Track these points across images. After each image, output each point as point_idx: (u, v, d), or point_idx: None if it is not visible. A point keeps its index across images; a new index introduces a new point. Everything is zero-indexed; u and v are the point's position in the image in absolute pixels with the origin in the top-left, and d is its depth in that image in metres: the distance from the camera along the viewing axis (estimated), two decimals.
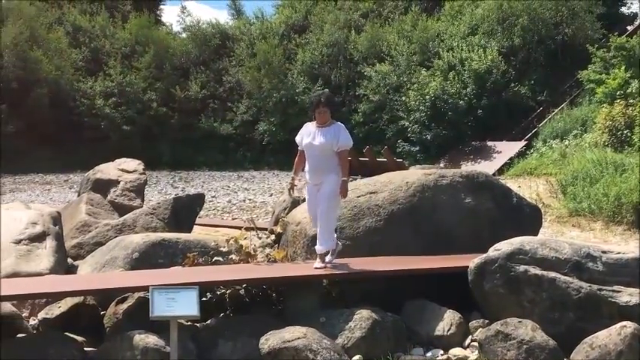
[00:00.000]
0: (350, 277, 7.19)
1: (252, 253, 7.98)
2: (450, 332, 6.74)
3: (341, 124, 7.55)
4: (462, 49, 33.06)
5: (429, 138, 31.40)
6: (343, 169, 7.36)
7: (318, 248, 7.31)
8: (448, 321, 6.82)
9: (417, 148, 32.03)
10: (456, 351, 6.57)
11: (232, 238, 8.11)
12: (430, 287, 7.27)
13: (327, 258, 7.32)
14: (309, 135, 7.50)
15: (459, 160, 29.49)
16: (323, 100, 7.57)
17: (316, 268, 7.20)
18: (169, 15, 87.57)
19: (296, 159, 7.72)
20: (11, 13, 39.77)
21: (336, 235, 7.51)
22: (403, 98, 33.94)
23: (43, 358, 5.82)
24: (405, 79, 34.74)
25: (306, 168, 7.55)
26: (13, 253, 7.80)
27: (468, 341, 6.75)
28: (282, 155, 36.96)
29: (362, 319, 6.56)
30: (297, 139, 7.67)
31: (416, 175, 8.74)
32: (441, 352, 6.58)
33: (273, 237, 8.87)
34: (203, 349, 6.33)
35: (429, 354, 6.55)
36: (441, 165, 27.60)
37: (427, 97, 31.64)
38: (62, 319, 6.97)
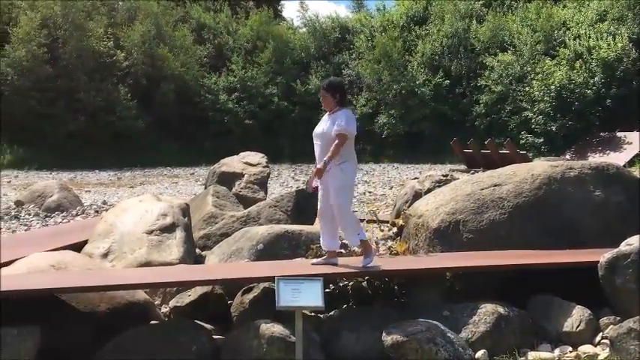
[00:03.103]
0: (474, 271, 7.09)
1: (374, 245, 8.00)
2: (579, 329, 6.52)
3: (346, 110, 7.01)
4: (589, 37, 31.87)
5: (554, 129, 30.51)
6: (332, 151, 6.71)
7: (351, 246, 7.04)
8: (577, 317, 6.60)
9: (541, 140, 31.17)
10: (586, 348, 6.35)
11: None
12: (556, 282, 7.07)
13: (363, 261, 6.90)
14: (319, 125, 7.13)
15: (586, 152, 28.47)
16: (323, 85, 7.17)
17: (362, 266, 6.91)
18: (290, 10, 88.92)
19: None
20: (139, 12, 41.39)
21: (358, 232, 7.03)
22: (527, 89, 33.12)
23: (175, 344, 6.04)
24: (529, 69, 33.85)
25: None
26: (146, 243, 8.13)
27: (598, 338, 6.51)
28: (402, 148, 36.89)
29: (486, 313, 6.46)
30: None
31: (542, 167, 8.50)
32: (570, 349, 6.38)
33: (395, 229, 8.87)
34: (327, 340, 6.41)
35: (556, 351, 6.37)
36: (567, 157, 26.75)
37: (552, 87, 30.75)
38: (192, 307, 7.20)
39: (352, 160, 7.02)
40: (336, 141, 6.75)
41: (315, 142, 7.07)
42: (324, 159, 6.72)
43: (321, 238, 7.21)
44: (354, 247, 7.06)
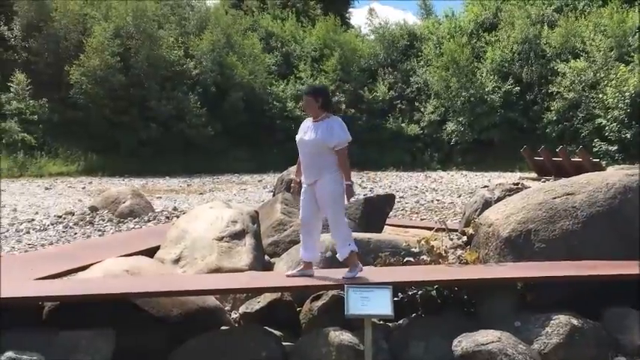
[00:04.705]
0: (546, 281, 6.95)
1: (444, 254, 7.93)
2: None
3: (337, 118, 6.84)
4: None
5: (628, 137, 29.85)
6: (345, 171, 6.68)
7: (339, 257, 6.85)
8: None
9: (615, 148, 30.53)
10: None
11: (423, 238, 8.09)
12: (631, 294, 6.88)
13: (348, 274, 6.69)
14: (303, 131, 6.90)
15: None
16: (305, 91, 7.01)
17: (343, 278, 6.76)
18: (357, 17, 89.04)
19: (299, 159, 7.12)
20: (209, 21, 42.09)
21: (349, 243, 6.82)
22: (600, 95, 32.49)
23: (245, 349, 6.11)
24: (602, 76, 33.15)
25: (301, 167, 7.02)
26: (216, 249, 8.23)
27: None
28: (470, 155, 36.55)
29: (559, 324, 6.33)
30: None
31: (617, 175, 8.29)
32: None
33: (464, 238, 8.75)
34: (396, 349, 6.38)
35: None
36: None
37: (627, 93, 30.11)
38: (261, 313, 7.25)
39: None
40: (341, 157, 6.67)
41: (302, 150, 6.92)
42: (347, 182, 6.64)
43: (301, 249, 7.06)
44: (344, 257, 6.80)
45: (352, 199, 6.85)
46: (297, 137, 6.95)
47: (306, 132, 6.87)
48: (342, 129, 6.74)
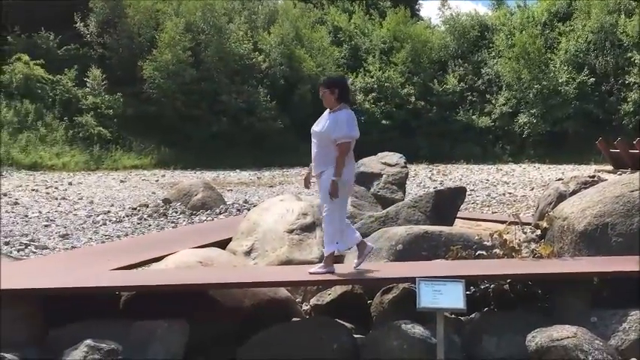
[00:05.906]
0: (624, 276, 6.77)
1: (517, 248, 7.80)
2: None
3: (346, 110, 6.65)
4: None
5: None
6: (337, 165, 6.50)
7: (325, 249, 6.78)
8: None
9: None
10: None
11: (496, 232, 7.96)
12: None
13: (319, 269, 6.65)
14: (317, 122, 6.84)
15: None
16: (321, 82, 6.89)
17: (310, 272, 6.70)
18: (428, 9, 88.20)
19: None
20: (278, 15, 42.37)
21: (337, 241, 6.70)
22: None
23: (316, 341, 6.12)
24: None
25: None
26: (287, 241, 8.31)
27: None
28: (543, 148, 35.89)
29: (637, 320, 6.17)
30: None
31: None
32: None
33: (538, 232, 8.60)
34: (468, 343, 6.32)
35: None
36: None
37: None
38: (332, 305, 7.29)
39: (349, 164, 6.75)
40: (339, 152, 6.53)
41: (312, 140, 6.87)
42: (332, 177, 6.50)
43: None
44: (326, 253, 6.75)
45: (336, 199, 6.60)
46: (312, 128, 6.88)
47: (319, 122, 6.83)
48: (347, 122, 6.58)
